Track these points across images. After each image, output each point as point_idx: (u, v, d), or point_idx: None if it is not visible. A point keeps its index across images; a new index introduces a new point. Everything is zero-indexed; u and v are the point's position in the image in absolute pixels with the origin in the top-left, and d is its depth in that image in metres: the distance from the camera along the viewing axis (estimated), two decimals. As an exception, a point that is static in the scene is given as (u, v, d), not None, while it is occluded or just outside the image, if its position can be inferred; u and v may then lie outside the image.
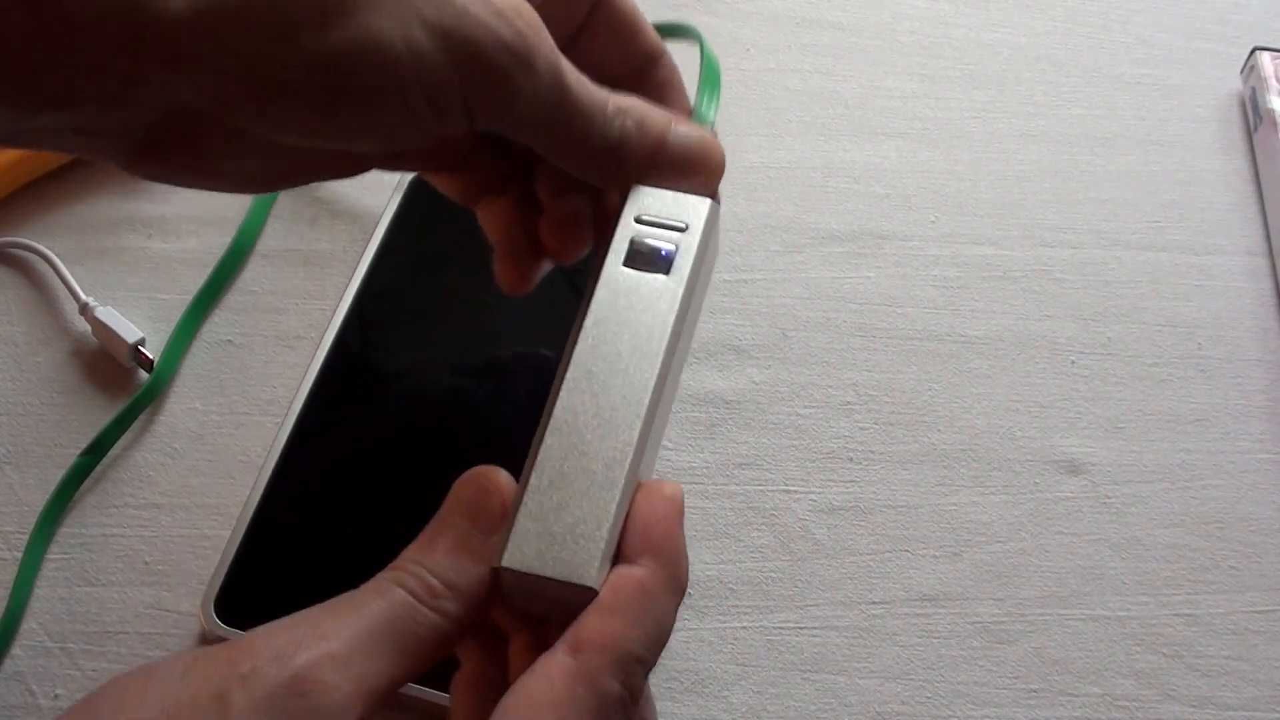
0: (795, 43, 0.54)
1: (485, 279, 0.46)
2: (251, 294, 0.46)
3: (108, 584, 0.39)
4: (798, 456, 0.43)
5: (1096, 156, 0.52)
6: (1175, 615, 0.41)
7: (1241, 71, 0.54)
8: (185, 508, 0.41)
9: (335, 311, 0.43)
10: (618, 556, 0.27)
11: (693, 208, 0.31)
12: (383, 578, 0.27)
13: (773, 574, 0.41)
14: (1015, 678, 0.39)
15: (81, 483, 0.41)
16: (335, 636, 0.25)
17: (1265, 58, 0.53)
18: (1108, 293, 0.48)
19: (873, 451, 0.43)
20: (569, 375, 0.28)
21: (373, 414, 0.42)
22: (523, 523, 0.27)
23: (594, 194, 0.33)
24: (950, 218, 0.49)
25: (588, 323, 0.29)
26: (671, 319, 0.29)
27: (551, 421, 0.28)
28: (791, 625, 0.40)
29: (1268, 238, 0.50)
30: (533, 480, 0.27)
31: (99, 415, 0.42)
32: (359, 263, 0.44)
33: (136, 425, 0.42)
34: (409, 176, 0.47)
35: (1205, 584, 0.41)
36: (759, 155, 0.51)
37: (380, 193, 0.48)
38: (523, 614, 0.28)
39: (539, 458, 0.27)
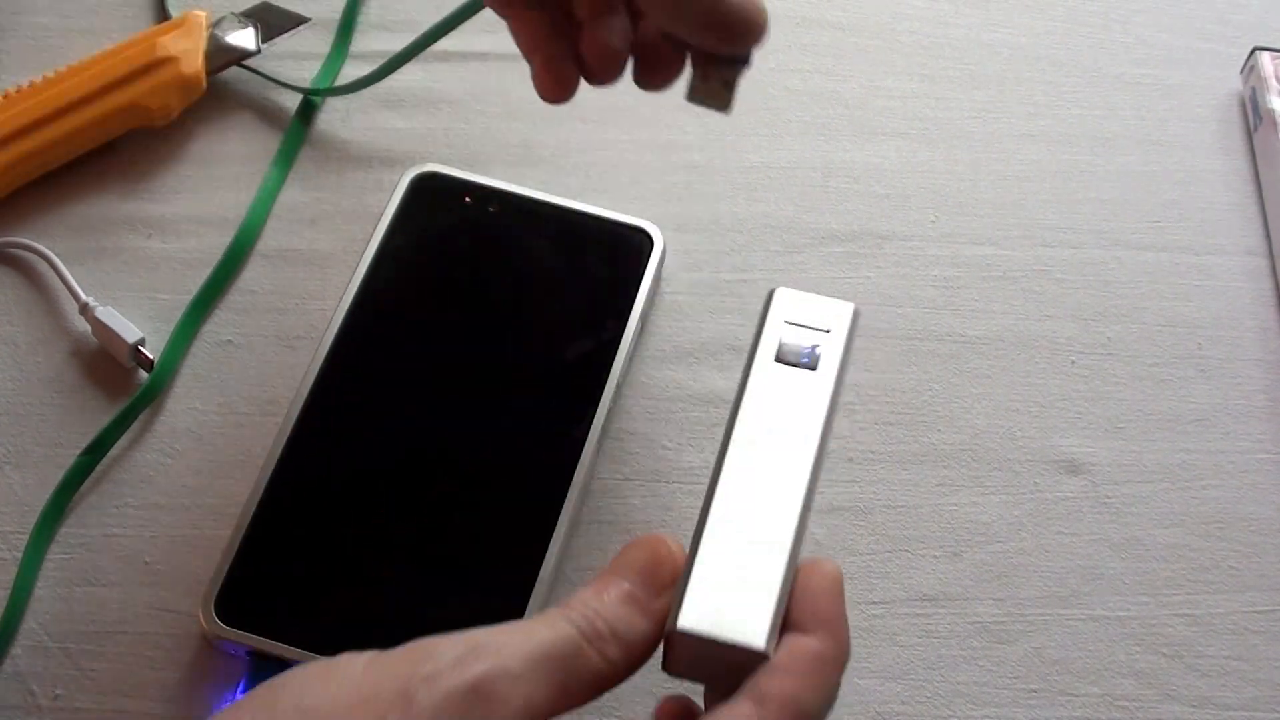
0: (795, 43, 0.54)
1: (486, 279, 0.46)
2: (251, 294, 0.46)
3: (108, 584, 0.39)
4: (798, 456, 0.43)
5: (1096, 156, 0.52)
6: (1175, 615, 0.41)
7: (1241, 71, 0.54)
8: (185, 508, 0.41)
9: (335, 311, 0.43)
10: (786, 627, 0.29)
11: (835, 311, 0.34)
12: (554, 612, 0.28)
13: (773, 574, 0.41)
14: (1015, 678, 0.39)
15: (81, 483, 0.41)
16: (509, 654, 0.26)
17: (1265, 58, 0.53)
18: (1108, 293, 0.48)
19: (873, 451, 0.43)
20: (729, 458, 0.32)
21: (373, 414, 0.42)
22: (695, 590, 0.29)
23: (632, 17, 0.35)
24: (950, 218, 0.49)
25: (744, 411, 0.32)
26: (824, 410, 0.32)
27: (715, 500, 0.31)
28: (791, 625, 0.40)
29: (1268, 238, 0.50)
30: (701, 553, 0.30)
31: (99, 415, 0.42)
32: (359, 263, 0.44)
33: (136, 425, 0.42)
34: (408, 177, 0.47)
35: (1205, 584, 0.41)
36: (759, 155, 0.51)
37: (380, 193, 0.48)
38: (683, 678, 0.30)
39: (705, 533, 0.30)
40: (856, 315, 0.35)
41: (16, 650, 0.38)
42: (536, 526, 0.39)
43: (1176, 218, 0.50)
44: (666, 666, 0.30)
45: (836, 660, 0.28)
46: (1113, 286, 0.48)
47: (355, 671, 0.27)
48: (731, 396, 0.33)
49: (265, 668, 0.37)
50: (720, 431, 0.32)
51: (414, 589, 0.38)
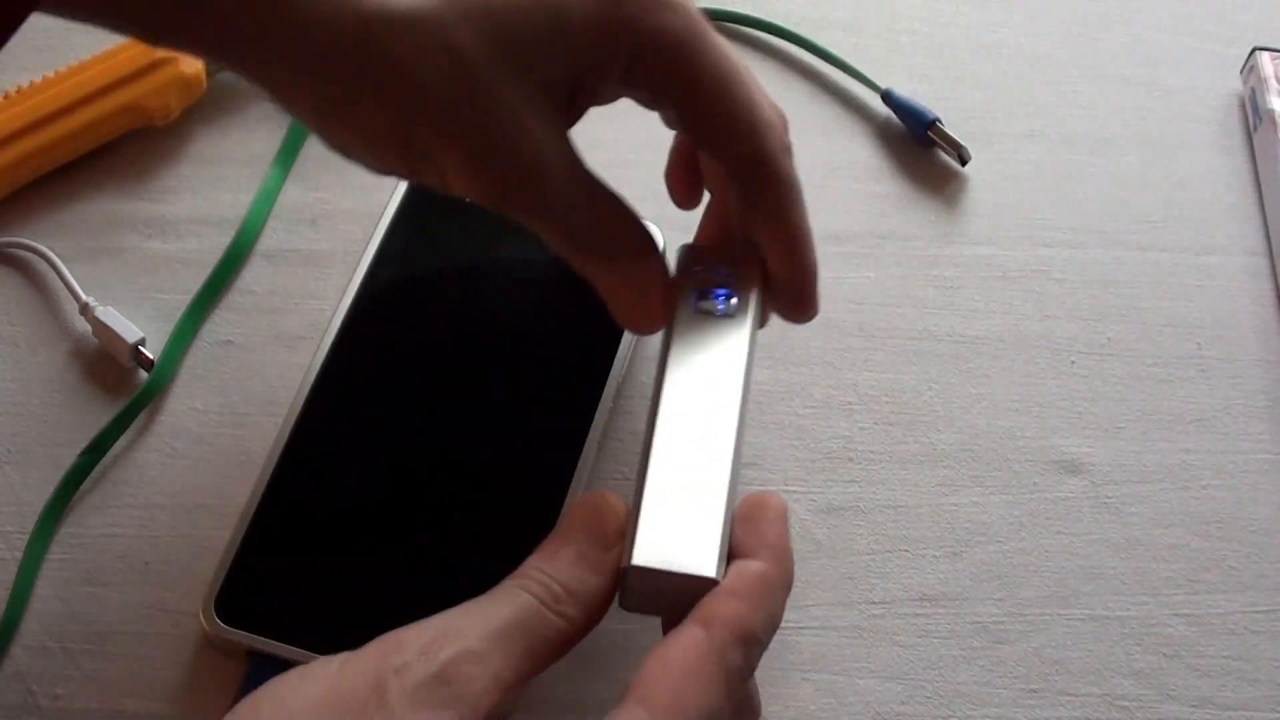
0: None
1: (486, 279, 0.46)
2: (251, 294, 0.46)
3: (108, 584, 0.39)
4: (798, 456, 0.43)
5: (1096, 156, 0.52)
6: (1175, 615, 0.41)
7: (1241, 71, 0.54)
8: (185, 508, 0.41)
9: (335, 311, 0.43)
10: (732, 555, 0.31)
11: (742, 255, 0.36)
12: (509, 584, 0.30)
13: (773, 574, 0.41)
14: (1015, 678, 0.39)
15: (81, 483, 0.41)
16: (472, 635, 0.28)
17: (1265, 58, 0.53)
18: (1108, 293, 0.48)
19: (873, 451, 0.43)
20: (663, 407, 0.33)
21: (373, 414, 0.42)
22: (644, 530, 0.30)
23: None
24: (950, 217, 0.49)
25: (671, 361, 0.34)
26: (745, 352, 0.34)
27: (654, 445, 0.32)
28: (792, 625, 0.40)
29: (1268, 238, 0.50)
30: (646, 495, 0.31)
31: (99, 415, 0.42)
32: (359, 263, 0.44)
33: (136, 425, 0.42)
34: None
35: (1205, 584, 0.41)
36: (759, 155, 0.51)
37: (380, 193, 0.48)
38: (641, 613, 0.31)
39: (648, 477, 0.31)
40: (762, 263, 0.36)
41: (16, 650, 0.38)
42: (536, 526, 0.39)
43: (1176, 218, 0.50)
44: (623, 603, 0.31)
45: (781, 583, 0.30)
46: (1113, 286, 0.48)
47: (331, 672, 0.28)
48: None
49: (265, 668, 0.37)
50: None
51: (414, 589, 0.38)
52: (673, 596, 0.30)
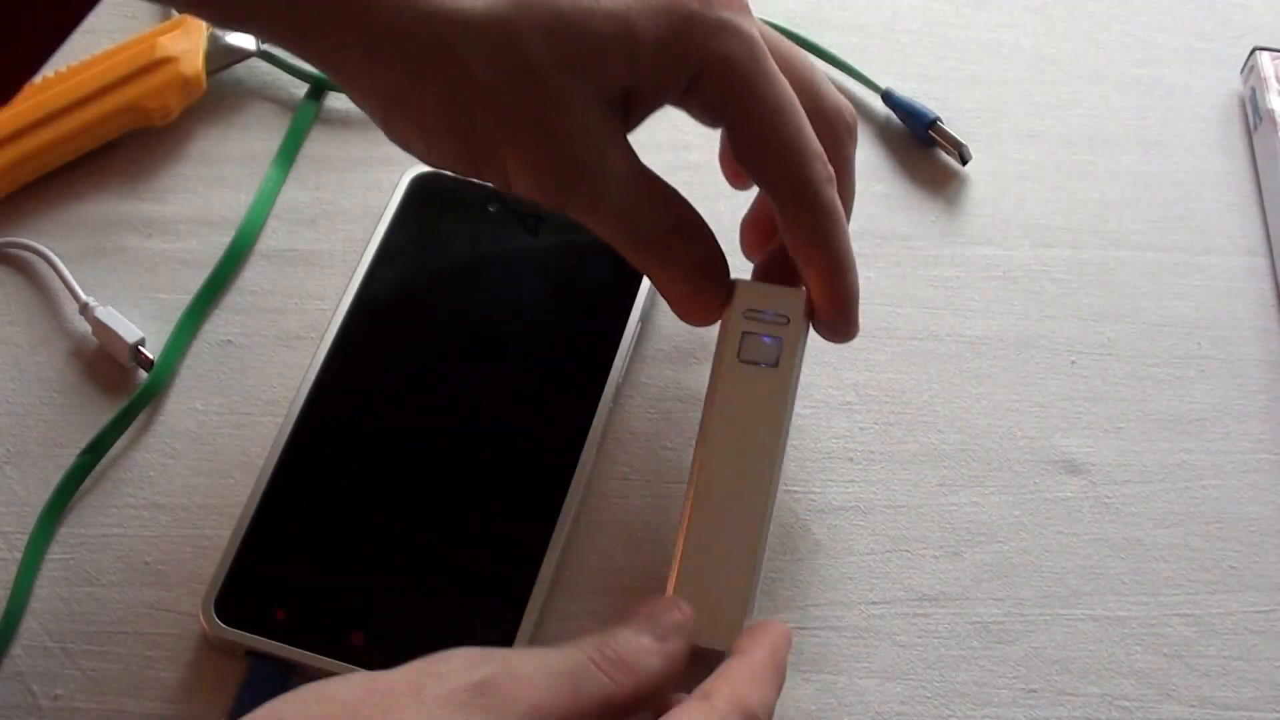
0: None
1: (485, 279, 0.46)
2: (251, 294, 0.46)
3: (108, 584, 0.39)
4: (798, 456, 0.43)
5: (1096, 156, 0.52)
6: (1175, 615, 0.41)
7: (1241, 71, 0.54)
8: (185, 508, 0.41)
9: (335, 311, 0.43)
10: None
11: (790, 300, 0.36)
12: (562, 645, 0.31)
13: (773, 574, 0.41)
14: (1015, 678, 0.39)
15: (81, 483, 0.41)
16: (519, 662, 0.29)
17: (1265, 58, 0.53)
18: (1108, 293, 0.48)
19: (873, 451, 0.43)
20: (704, 469, 0.34)
21: (373, 414, 0.42)
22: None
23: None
24: (950, 217, 0.49)
25: (714, 417, 0.35)
26: (783, 412, 0.35)
27: (692, 511, 0.34)
28: (792, 625, 0.40)
29: (1268, 238, 0.50)
30: (683, 563, 0.33)
31: (99, 415, 0.42)
32: (359, 263, 0.44)
33: (136, 425, 0.42)
34: (408, 177, 0.47)
35: (1205, 584, 0.41)
36: (759, 155, 0.51)
37: (380, 193, 0.48)
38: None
39: (685, 543, 0.34)
40: (809, 299, 0.37)
41: (16, 650, 0.38)
42: (536, 526, 0.39)
43: (1176, 218, 0.50)
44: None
45: (773, 681, 0.32)
46: (1113, 286, 0.48)
47: (369, 674, 0.28)
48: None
49: (265, 668, 0.37)
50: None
51: (414, 589, 0.38)
52: (700, 663, 0.32)
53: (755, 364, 0.35)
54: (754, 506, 0.33)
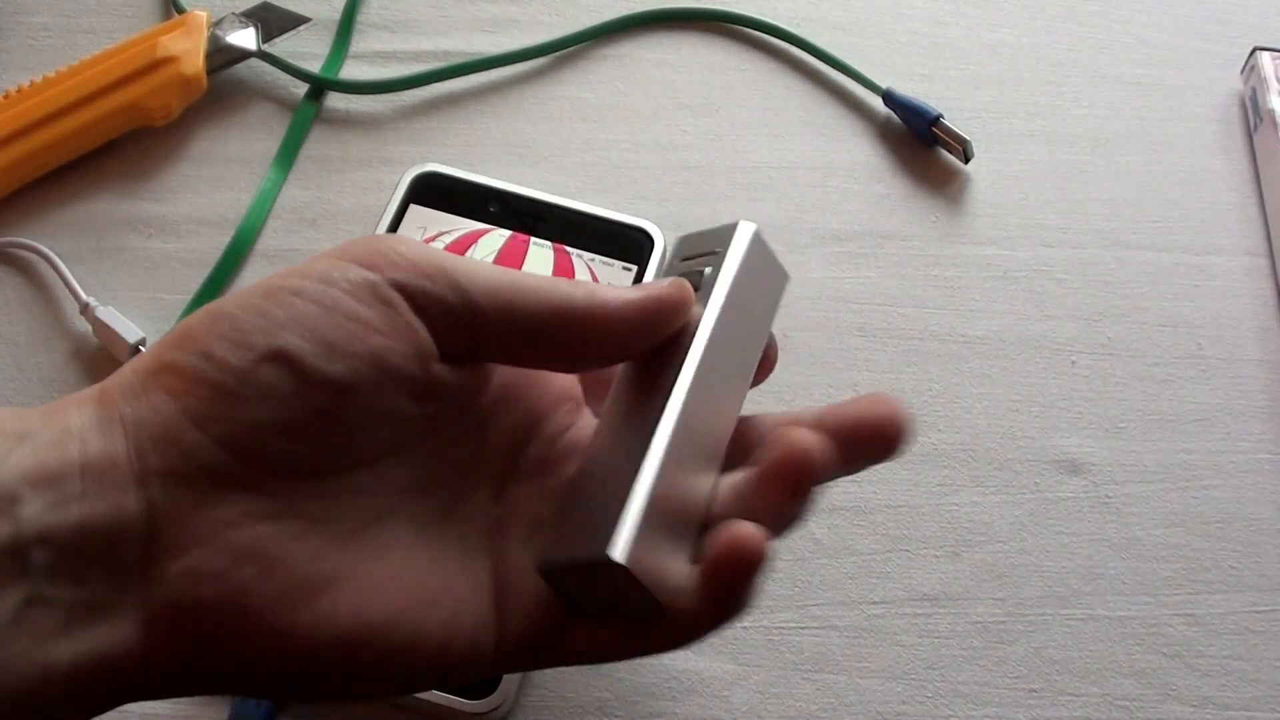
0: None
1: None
2: (252, 294, 0.46)
3: (108, 584, 0.39)
4: (798, 456, 0.43)
5: (1096, 156, 0.52)
6: (1175, 615, 0.41)
7: (1241, 71, 0.54)
8: (185, 508, 0.41)
9: (335, 311, 0.43)
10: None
11: (730, 233, 0.31)
12: None
13: (773, 574, 0.41)
14: (1015, 678, 0.39)
15: (82, 483, 0.41)
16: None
17: (1265, 58, 0.53)
18: (1108, 293, 0.48)
19: (873, 451, 0.43)
20: (613, 397, 0.30)
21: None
22: (554, 530, 0.29)
23: None
24: (950, 218, 0.49)
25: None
26: (702, 338, 0.29)
27: (590, 451, 0.30)
28: (792, 625, 0.40)
29: (1268, 238, 0.50)
30: (570, 493, 0.29)
31: (99, 415, 0.42)
32: (359, 263, 0.44)
33: (137, 425, 0.42)
34: (409, 177, 0.47)
35: (1205, 584, 0.41)
36: (759, 155, 0.51)
37: (380, 193, 0.48)
38: (608, 620, 0.29)
39: (575, 480, 0.30)
40: (755, 233, 0.31)
41: (17, 650, 0.38)
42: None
43: (1176, 218, 0.50)
44: (574, 612, 0.29)
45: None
46: (1113, 286, 0.48)
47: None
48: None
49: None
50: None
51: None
52: (608, 594, 0.28)
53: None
54: (658, 427, 0.28)
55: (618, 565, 0.26)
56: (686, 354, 0.29)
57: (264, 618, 0.25)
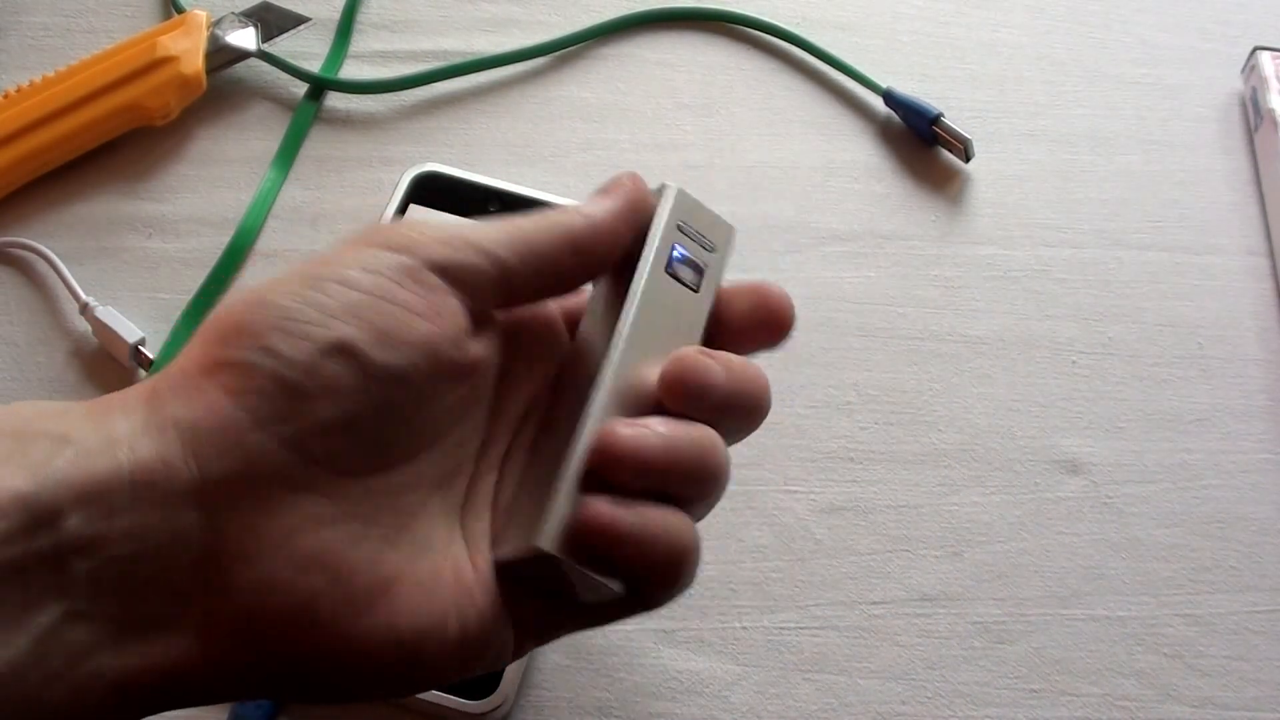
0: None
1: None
2: (251, 294, 0.46)
3: (108, 584, 0.39)
4: (798, 456, 0.43)
5: (1096, 156, 0.52)
6: (1175, 615, 0.41)
7: (1241, 71, 0.54)
8: (185, 508, 0.41)
9: (335, 311, 0.43)
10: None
11: (722, 232, 0.33)
12: None
13: (773, 574, 0.41)
14: (1016, 678, 0.39)
15: (81, 483, 0.41)
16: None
17: (1265, 58, 0.53)
18: (1108, 293, 0.48)
19: (873, 451, 0.43)
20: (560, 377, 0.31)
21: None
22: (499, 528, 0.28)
23: None
24: (950, 218, 0.49)
25: (627, 321, 0.29)
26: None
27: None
28: (792, 625, 0.40)
29: (1268, 238, 0.50)
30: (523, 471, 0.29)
31: (99, 415, 0.42)
32: (359, 263, 0.44)
33: (136, 425, 0.42)
34: (408, 177, 0.47)
35: (1205, 584, 0.41)
36: (759, 155, 0.51)
37: (380, 193, 0.48)
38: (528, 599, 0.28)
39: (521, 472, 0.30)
40: (680, 193, 0.32)
41: (16, 650, 0.38)
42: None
43: (1176, 218, 0.50)
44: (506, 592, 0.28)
45: None
46: (1113, 286, 0.48)
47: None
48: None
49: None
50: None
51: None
52: (567, 582, 0.27)
53: (680, 284, 0.31)
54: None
55: (551, 555, 0.26)
56: (614, 328, 0.29)
57: (334, 625, 0.25)
